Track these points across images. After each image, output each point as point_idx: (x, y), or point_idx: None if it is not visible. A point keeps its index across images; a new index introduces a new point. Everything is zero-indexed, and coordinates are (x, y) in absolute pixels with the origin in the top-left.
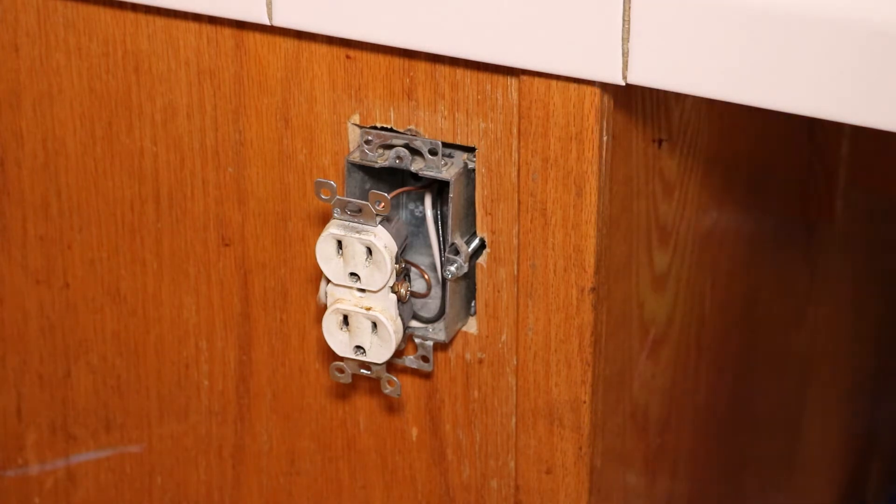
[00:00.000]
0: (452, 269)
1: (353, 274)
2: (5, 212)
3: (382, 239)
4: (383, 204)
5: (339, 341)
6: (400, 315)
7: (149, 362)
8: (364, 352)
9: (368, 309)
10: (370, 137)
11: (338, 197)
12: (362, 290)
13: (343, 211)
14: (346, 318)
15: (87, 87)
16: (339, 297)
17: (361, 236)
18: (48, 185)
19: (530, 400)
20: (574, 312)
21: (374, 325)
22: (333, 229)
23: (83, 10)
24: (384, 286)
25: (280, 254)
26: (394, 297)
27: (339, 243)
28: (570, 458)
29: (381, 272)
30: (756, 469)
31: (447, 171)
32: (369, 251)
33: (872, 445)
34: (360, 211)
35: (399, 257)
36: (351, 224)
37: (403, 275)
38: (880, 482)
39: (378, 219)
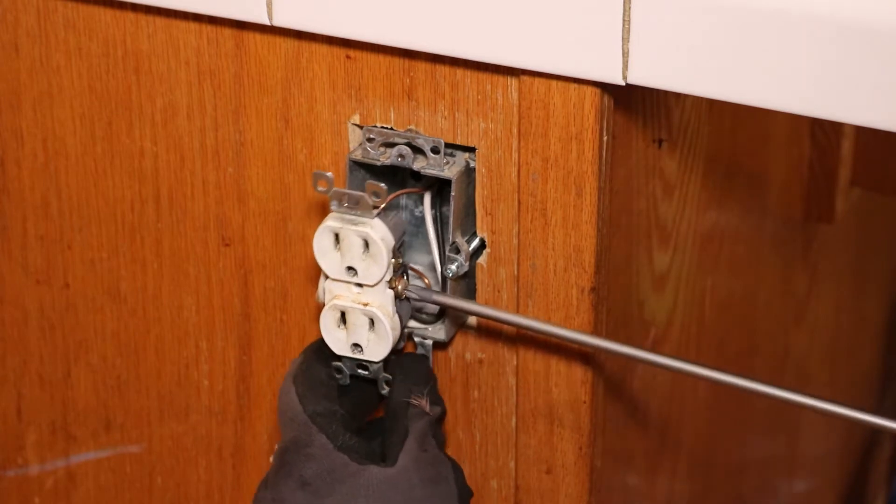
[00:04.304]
0: (453, 267)
1: (350, 268)
2: (5, 212)
3: (379, 231)
4: (380, 195)
5: (337, 339)
6: (398, 313)
7: (149, 362)
8: (361, 350)
9: (366, 305)
10: (372, 135)
11: (335, 189)
12: (360, 286)
13: (340, 203)
14: (343, 315)
15: (87, 87)
16: (336, 294)
17: (358, 228)
18: (48, 185)
19: (530, 400)
20: (574, 312)
21: (372, 321)
22: (330, 222)
23: (83, 10)
24: (381, 280)
25: (280, 254)
26: (391, 293)
27: (336, 237)
28: (570, 458)
29: (378, 265)
30: (756, 469)
31: (449, 169)
32: (366, 244)
33: (872, 445)
34: (357, 203)
35: (396, 253)
36: (348, 217)
37: (401, 271)
38: (880, 482)
39: (375, 211)
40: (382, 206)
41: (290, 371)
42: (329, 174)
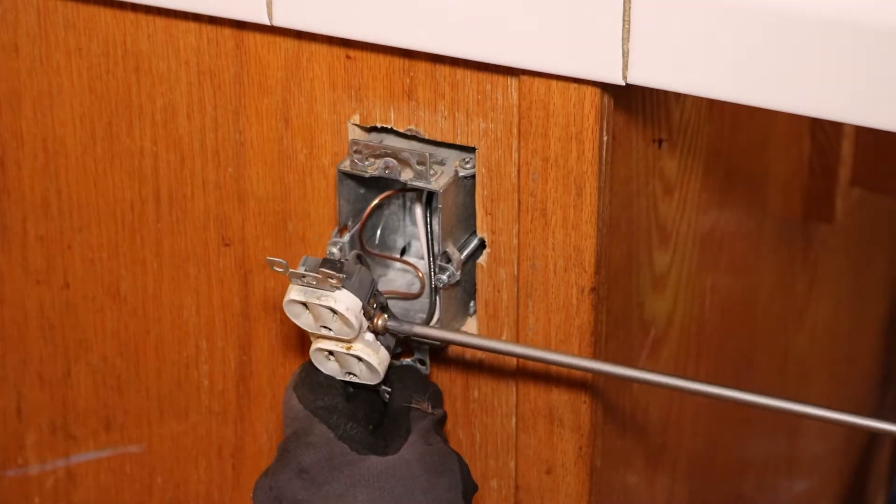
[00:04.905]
0: (444, 277)
1: (325, 326)
2: (5, 212)
3: (343, 302)
4: (336, 281)
5: (331, 369)
6: (384, 345)
7: (149, 362)
8: (356, 377)
9: (349, 348)
10: (359, 147)
11: (291, 270)
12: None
13: (299, 280)
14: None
15: (87, 87)
16: (319, 337)
17: (322, 302)
18: (48, 185)
19: (530, 400)
20: (574, 312)
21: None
22: (294, 295)
23: (83, 10)
24: (357, 334)
25: (280, 254)
26: (371, 335)
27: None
28: (570, 458)
29: (350, 328)
30: (756, 469)
31: (436, 181)
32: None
33: (872, 445)
34: (315, 281)
35: (369, 302)
36: (310, 290)
37: (378, 309)
38: (880, 482)
39: (335, 285)
40: (340, 285)
41: (290, 382)
42: (282, 260)
